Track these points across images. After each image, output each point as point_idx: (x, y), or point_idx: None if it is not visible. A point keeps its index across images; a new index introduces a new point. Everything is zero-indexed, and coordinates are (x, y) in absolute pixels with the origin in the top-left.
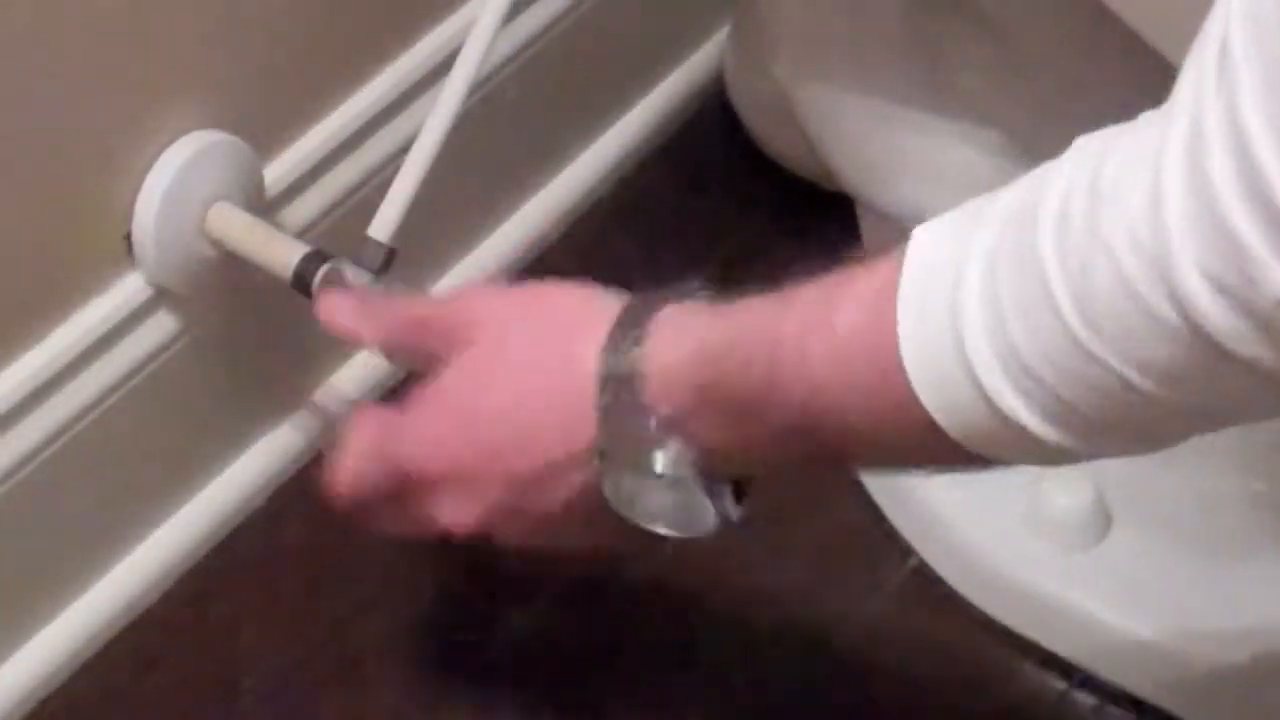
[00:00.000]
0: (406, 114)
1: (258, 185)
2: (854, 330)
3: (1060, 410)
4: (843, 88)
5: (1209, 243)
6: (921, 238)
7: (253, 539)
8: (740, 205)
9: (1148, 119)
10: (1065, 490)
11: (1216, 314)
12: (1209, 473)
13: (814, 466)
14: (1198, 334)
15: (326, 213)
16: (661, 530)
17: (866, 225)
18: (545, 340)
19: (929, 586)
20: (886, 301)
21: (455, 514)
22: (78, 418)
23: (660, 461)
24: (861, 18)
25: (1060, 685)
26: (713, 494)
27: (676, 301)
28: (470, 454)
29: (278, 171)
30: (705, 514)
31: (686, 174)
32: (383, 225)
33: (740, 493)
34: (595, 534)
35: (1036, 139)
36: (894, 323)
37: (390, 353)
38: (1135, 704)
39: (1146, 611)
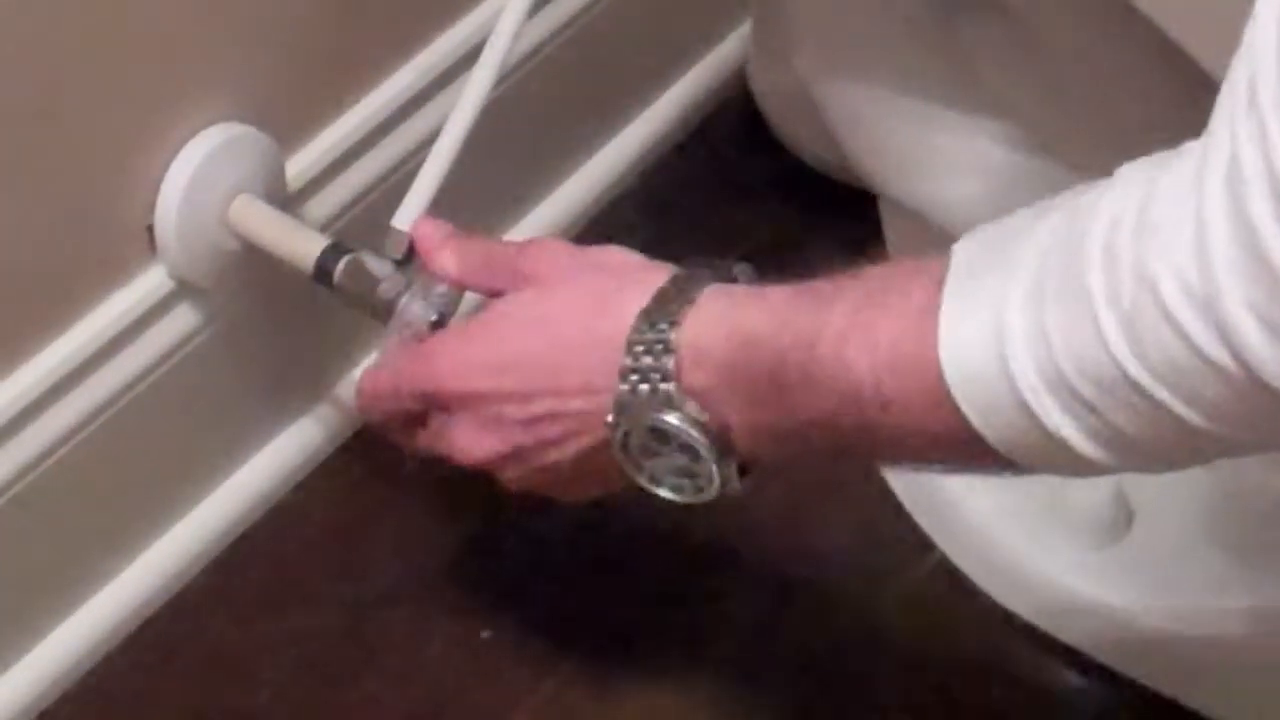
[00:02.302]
0: (430, 106)
1: (280, 178)
2: (896, 346)
3: (1108, 432)
4: (865, 81)
5: (1257, 283)
6: (961, 255)
7: (273, 531)
8: (762, 199)
9: (1190, 149)
10: (1087, 486)
11: (1267, 351)
12: (1231, 468)
13: (831, 459)
14: (1249, 373)
15: (349, 206)
16: (664, 494)
17: (888, 219)
18: (589, 297)
19: (949, 580)
20: (929, 321)
21: (466, 442)
22: (100, 410)
23: (673, 421)
24: (884, 11)
25: (1080, 680)
26: (719, 462)
27: (721, 280)
28: (495, 387)
29: (300, 164)
30: (710, 479)
31: (708, 168)
32: (406, 215)
33: (743, 469)
34: (597, 489)
35: (1059, 133)
36: (935, 343)
37: (463, 287)
38: (1155, 699)
39: (1167, 607)
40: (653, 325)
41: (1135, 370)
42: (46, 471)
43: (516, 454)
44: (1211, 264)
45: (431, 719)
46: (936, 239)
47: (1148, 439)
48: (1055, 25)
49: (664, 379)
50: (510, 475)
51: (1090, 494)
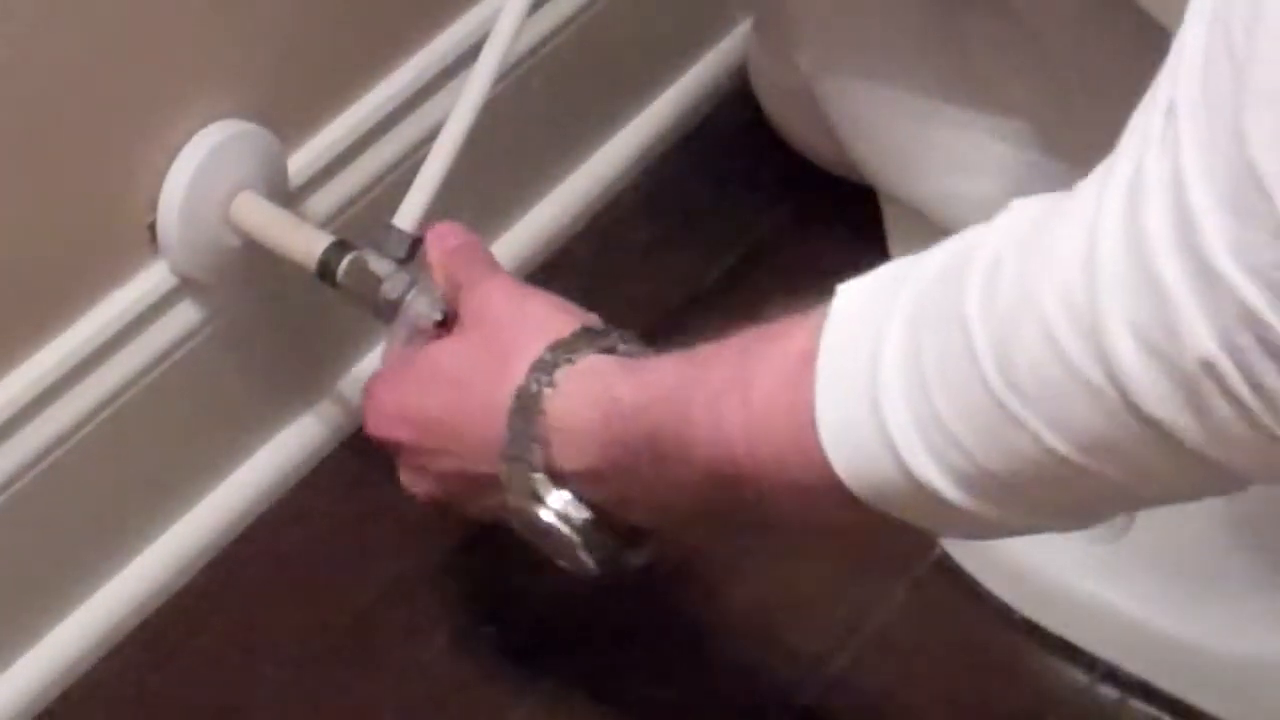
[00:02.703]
0: (431, 103)
1: (282, 174)
2: (771, 395)
3: (977, 475)
4: (866, 78)
5: (1139, 296)
6: (841, 301)
7: (274, 529)
8: (763, 196)
9: (1086, 184)
10: None
11: (1141, 373)
12: None
13: (734, 527)
14: (1121, 393)
15: (351, 202)
16: (563, 564)
17: (889, 216)
18: (494, 361)
19: (952, 578)
20: (806, 367)
21: (406, 479)
22: (101, 407)
23: (548, 510)
24: (885, 8)
25: (1084, 678)
26: (591, 550)
27: (599, 350)
28: (409, 440)
29: (302, 161)
30: (588, 562)
31: (709, 164)
32: (407, 214)
33: (641, 537)
34: None
35: (1059, 130)
36: (811, 390)
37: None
38: (1159, 697)
39: (1171, 604)
40: (523, 406)
41: (1001, 389)
42: (47, 469)
43: (446, 499)
44: (1097, 277)
45: (432, 717)
46: (937, 235)
47: (1015, 476)
48: (1056, 22)
49: (531, 468)
50: (456, 507)
51: None
